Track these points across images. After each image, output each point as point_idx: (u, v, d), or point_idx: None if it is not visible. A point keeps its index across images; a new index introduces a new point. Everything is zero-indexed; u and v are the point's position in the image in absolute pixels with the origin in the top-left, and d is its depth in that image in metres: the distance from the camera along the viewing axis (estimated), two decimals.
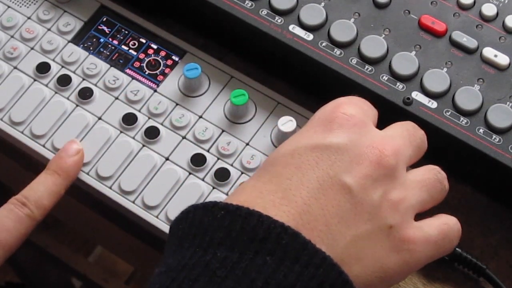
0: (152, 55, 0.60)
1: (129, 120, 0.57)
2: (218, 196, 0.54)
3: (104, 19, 0.61)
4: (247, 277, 0.39)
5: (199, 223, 0.41)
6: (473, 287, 0.55)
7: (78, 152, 0.55)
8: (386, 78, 0.55)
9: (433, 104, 0.54)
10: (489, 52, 0.55)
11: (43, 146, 0.57)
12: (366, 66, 0.55)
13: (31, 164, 0.59)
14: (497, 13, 0.57)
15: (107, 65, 0.59)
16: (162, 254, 0.43)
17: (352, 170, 0.43)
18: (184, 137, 0.57)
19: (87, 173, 0.56)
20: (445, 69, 0.55)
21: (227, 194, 0.55)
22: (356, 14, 0.57)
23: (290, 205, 0.42)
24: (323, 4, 0.57)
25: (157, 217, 0.54)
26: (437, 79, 0.54)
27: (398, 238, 0.43)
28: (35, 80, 0.59)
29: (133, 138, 0.57)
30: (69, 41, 0.60)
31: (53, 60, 0.60)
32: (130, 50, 0.60)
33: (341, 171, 0.43)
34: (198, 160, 0.56)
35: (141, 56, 0.60)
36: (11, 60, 0.60)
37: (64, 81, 0.59)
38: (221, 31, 0.61)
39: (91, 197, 0.57)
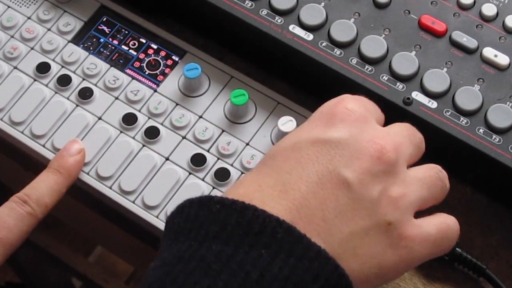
0: (152, 55, 0.60)
1: (129, 120, 0.57)
2: None
3: (104, 19, 0.61)
4: (242, 270, 0.39)
5: (195, 217, 0.41)
6: (473, 287, 0.55)
7: (79, 152, 0.55)
8: (386, 78, 0.55)
9: (433, 104, 0.54)
10: (489, 52, 0.55)
11: (43, 146, 0.57)
12: (366, 66, 0.55)
13: (31, 164, 0.59)
14: (497, 13, 0.57)
15: (107, 65, 0.59)
16: None
17: (352, 165, 0.43)
18: (184, 137, 0.57)
19: (87, 173, 0.56)
20: (445, 69, 0.55)
21: None
22: (356, 14, 0.57)
23: (288, 199, 0.42)
24: (323, 4, 0.57)
25: (157, 217, 0.54)
26: (437, 79, 0.54)
27: (396, 235, 0.43)
28: (35, 80, 0.59)
29: (133, 138, 0.57)
30: (69, 41, 0.60)
31: (53, 60, 0.60)
32: (130, 50, 0.60)
33: (341, 165, 0.43)
34: (198, 160, 0.56)
35: (141, 56, 0.60)
36: (11, 60, 0.60)
37: (64, 81, 0.59)
38: (221, 31, 0.61)
39: (91, 197, 0.57)
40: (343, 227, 0.42)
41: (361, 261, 0.42)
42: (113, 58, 0.60)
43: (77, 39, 0.60)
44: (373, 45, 0.55)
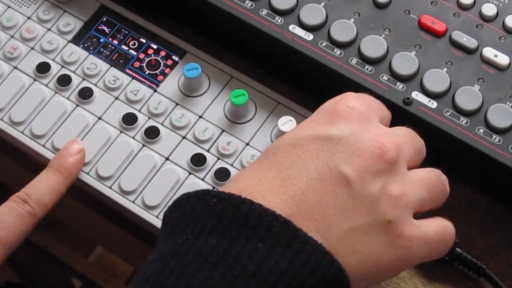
0: (152, 55, 0.60)
1: (129, 120, 0.57)
2: None
3: (104, 19, 0.61)
4: (239, 262, 0.39)
5: (192, 211, 0.41)
6: (473, 287, 0.55)
7: (79, 151, 0.55)
8: (386, 78, 0.55)
9: (433, 104, 0.54)
10: (489, 52, 0.55)
11: (43, 146, 0.57)
12: (366, 66, 0.55)
13: (31, 164, 0.59)
14: (497, 13, 0.57)
15: (107, 65, 0.59)
16: None
17: (352, 162, 0.43)
18: (184, 137, 0.57)
19: (87, 173, 0.56)
20: (445, 69, 0.55)
21: None
22: (356, 14, 0.57)
23: (287, 194, 0.42)
24: (323, 4, 0.57)
25: (157, 217, 0.54)
26: (437, 79, 0.54)
27: (395, 234, 0.43)
28: (35, 80, 0.59)
29: (133, 138, 0.57)
30: (69, 41, 0.60)
31: (53, 60, 0.60)
32: (130, 50, 0.60)
33: (341, 163, 0.43)
34: (198, 160, 0.56)
35: (141, 56, 0.60)
36: (11, 60, 0.60)
37: (64, 81, 0.59)
38: (221, 31, 0.61)
39: (91, 197, 0.57)
40: (342, 224, 0.42)
41: (359, 258, 0.42)
42: (113, 58, 0.60)
43: (77, 39, 0.60)
44: (373, 45, 0.55)
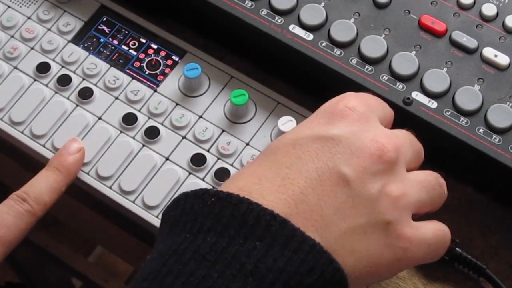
0: (152, 55, 0.60)
1: (129, 120, 0.57)
2: None
3: (104, 19, 0.61)
4: (237, 261, 0.39)
5: (190, 210, 0.42)
6: (473, 287, 0.55)
7: (79, 150, 0.55)
8: (386, 78, 0.55)
9: (433, 104, 0.54)
10: (489, 52, 0.55)
11: (43, 146, 0.57)
12: (366, 66, 0.55)
13: (31, 164, 0.59)
14: (497, 13, 0.57)
15: (107, 65, 0.59)
16: None
17: (352, 163, 0.43)
18: (184, 137, 0.57)
19: (87, 173, 0.56)
20: (445, 69, 0.55)
21: None
22: (356, 14, 0.57)
23: (287, 193, 0.42)
24: (323, 4, 0.57)
25: (157, 217, 0.54)
26: (437, 79, 0.54)
27: (394, 235, 0.43)
28: (35, 80, 0.59)
29: (133, 138, 0.57)
30: (69, 41, 0.60)
31: (53, 60, 0.60)
32: (130, 50, 0.60)
33: (341, 163, 0.43)
34: (198, 160, 0.56)
35: (141, 56, 0.60)
36: (11, 60, 0.60)
37: (64, 81, 0.59)
38: (221, 31, 0.61)
39: (91, 197, 0.57)
40: (341, 224, 0.42)
41: (357, 258, 0.42)
42: (113, 58, 0.60)
43: (77, 39, 0.60)
44: (373, 45, 0.55)
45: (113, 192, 0.55)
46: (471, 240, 0.56)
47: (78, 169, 0.55)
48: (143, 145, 0.56)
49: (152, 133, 0.57)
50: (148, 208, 0.54)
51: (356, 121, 0.45)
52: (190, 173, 0.55)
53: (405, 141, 0.46)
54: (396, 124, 0.48)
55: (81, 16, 0.61)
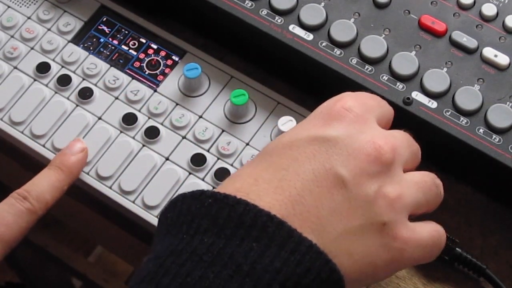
0: (152, 55, 0.60)
1: (129, 120, 0.57)
2: None
3: (104, 19, 0.61)
4: (234, 261, 0.39)
5: (187, 211, 0.42)
6: (473, 287, 0.55)
7: (82, 150, 0.55)
8: (386, 78, 0.55)
9: (433, 104, 0.54)
10: (489, 52, 0.55)
11: (43, 146, 0.57)
12: (366, 66, 0.55)
13: (31, 164, 0.59)
14: (497, 13, 0.57)
15: (107, 65, 0.59)
16: None
17: (348, 164, 0.43)
18: (184, 137, 0.57)
19: (87, 173, 0.56)
20: (445, 69, 0.55)
21: None
22: (356, 14, 0.57)
23: (283, 195, 0.42)
24: (323, 4, 0.57)
25: (157, 217, 0.54)
26: (437, 79, 0.54)
27: (390, 236, 0.43)
28: (35, 80, 0.59)
29: (133, 138, 0.57)
30: (69, 41, 0.60)
31: (53, 60, 0.60)
32: (130, 50, 0.60)
33: (337, 164, 0.43)
34: (198, 160, 0.56)
35: (141, 56, 0.60)
36: (11, 60, 0.60)
37: (64, 81, 0.59)
38: (221, 31, 0.61)
39: (91, 197, 0.57)
40: (338, 225, 0.42)
41: (353, 259, 0.42)
42: (113, 58, 0.60)
43: (77, 39, 0.60)
44: (373, 45, 0.55)
45: (113, 192, 0.55)
46: (471, 240, 0.56)
47: (81, 169, 0.55)
48: (143, 145, 0.56)
49: (152, 133, 0.57)
50: (148, 208, 0.54)
51: (353, 122, 0.45)
52: (190, 173, 0.55)
53: (402, 142, 0.46)
54: (396, 124, 0.48)
55: (81, 16, 0.61)
